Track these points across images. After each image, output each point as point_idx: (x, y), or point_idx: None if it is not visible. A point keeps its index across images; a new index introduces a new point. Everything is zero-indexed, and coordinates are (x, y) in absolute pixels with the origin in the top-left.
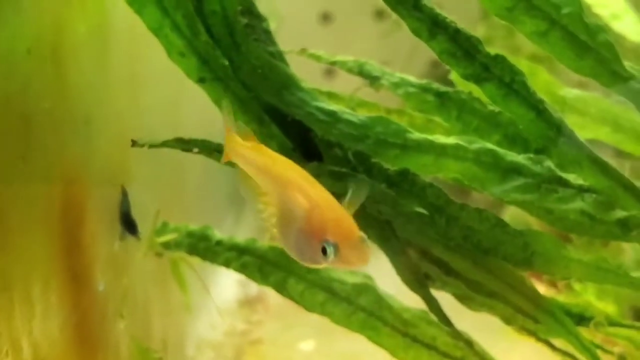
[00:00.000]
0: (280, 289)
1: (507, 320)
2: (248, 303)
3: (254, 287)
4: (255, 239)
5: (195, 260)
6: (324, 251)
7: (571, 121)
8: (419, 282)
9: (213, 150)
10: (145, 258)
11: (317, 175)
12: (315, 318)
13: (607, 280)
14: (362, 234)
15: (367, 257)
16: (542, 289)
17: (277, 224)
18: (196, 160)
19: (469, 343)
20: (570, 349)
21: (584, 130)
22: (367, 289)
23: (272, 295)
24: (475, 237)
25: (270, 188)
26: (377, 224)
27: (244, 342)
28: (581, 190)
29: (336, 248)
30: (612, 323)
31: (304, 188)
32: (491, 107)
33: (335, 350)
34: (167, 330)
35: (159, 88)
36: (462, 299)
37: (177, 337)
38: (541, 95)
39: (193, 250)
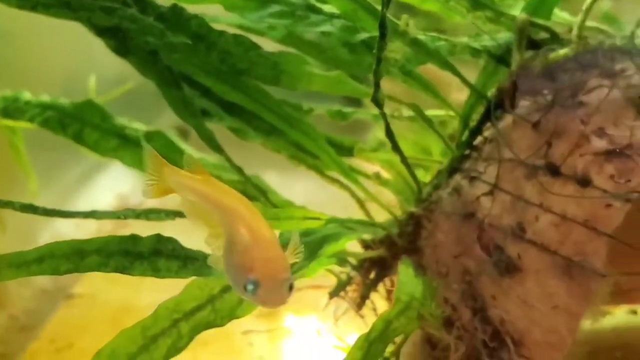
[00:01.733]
0: (78, 138)
1: (290, 157)
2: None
3: (134, 200)
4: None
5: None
6: (246, 287)
7: None
8: (192, 114)
9: None
10: None
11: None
12: None
13: (350, 92)
14: (288, 276)
15: (284, 299)
16: None
17: (224, 250)
18: None
19: (240, 170)
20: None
21: None
22: (158, 134)
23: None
24: (231, 60)
25: (218, 218)
26: (146, 56)
27: None
28: (332, 16)
29: (257, 286)
30: (373, 149)
31: (249, 223)
32: None
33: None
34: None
35: None
36: (237, 132)
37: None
38: None
39: (6, 112)
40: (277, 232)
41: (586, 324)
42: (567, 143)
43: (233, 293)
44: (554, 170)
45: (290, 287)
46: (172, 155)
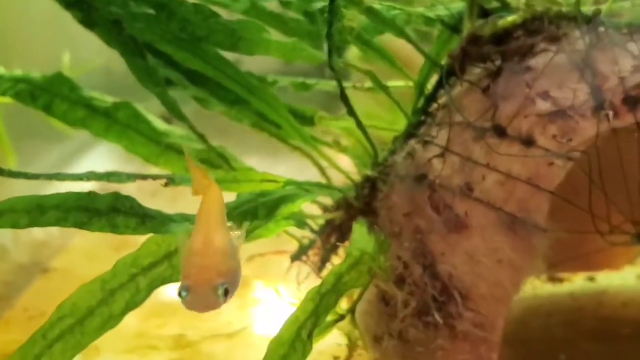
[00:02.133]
0: (48, 110)
1: (253, 125)
2: None
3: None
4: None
5: None
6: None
7: None
8: (155, 83)
9: None
10: None
11: None
12: None
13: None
14: (220, 282)
15: (214, 305)
16: None
17: None
18: None
19: (204, 139)
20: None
21: None
22: (125, 105)
23: None
24: (191, 27)
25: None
26: (111, 26)
27: None
28: None
29: (188, 292)
30: (333, 118)
31: (205, 230)
32: None
33: None
34: None
35: None
36: (200, 101)
37: None
38: None
39: None
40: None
41: (546, 288)
42: (513, 105)
43: None
44: (500, 132)
45: (225, 292)
46: (139, 125)
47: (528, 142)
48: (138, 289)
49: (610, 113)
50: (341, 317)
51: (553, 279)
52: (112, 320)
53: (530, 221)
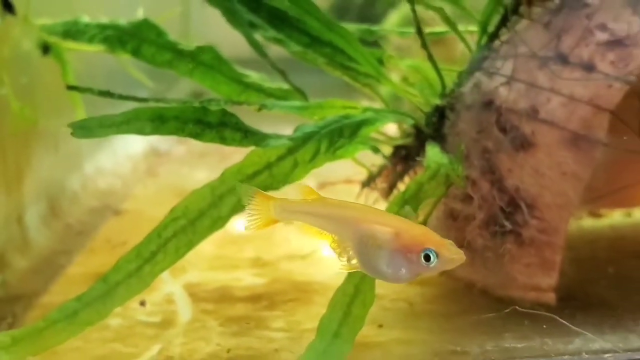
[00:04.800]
0: (136, 53)
1: (327, 65)
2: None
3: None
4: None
5: None
6: (427, 258)
7: None
8: (239, 23)
9: None
10: None
11: None
12: None
13: None
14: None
15: (463, 255)
16: None
17: (357, 255)
18: None
19: (284, 74)
20: None
21: None
22: (209, 49)
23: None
24: None
25: (338, 229)
26: None
27: None
28: None
29: (437, 254)
30: (400, 58)
31: (376, 219)
32: None
33: None
34: None
35: None
36: (279, 42)
37: None
38: None
39: (67, 34)
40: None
41: (588, 222)
42: (574, 37)
43: (288, 160)
44: (563, 59)
45: None
46: (222, 67)
47: (589, 67)
48: None
49: None
50: None
51: (593, 214)
52: (220, 221)
53: (592, 136)
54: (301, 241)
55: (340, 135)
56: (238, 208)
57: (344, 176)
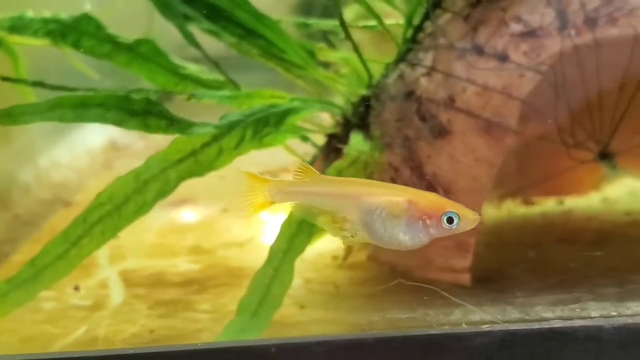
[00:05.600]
0: (77, 45)
1: (261, 56)
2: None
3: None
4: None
5: None
6: (450, 221)
7: None
8: (174, 15)
9: None
10: None
11: None
12: None
13: None
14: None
15: (479, 216)
16: None
17: (365, 228)
18: None
19: (217, 66)
20: None
21: None
22: (146, 41)
23: None
24: None
25: (339, 205)
26: None
27: None
28: None
29: (456, 217)
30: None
31: (380, 190)
32: None
33: None
34: None
35: None
36: (214, 34)
37: None
38: None
39: (13, 29)
40: None
41: (519, 210)
42: (489, 28)
43: (213, 147)
44: (478, 50)
45: None
46: (159, 59)
47: (502, 57)
48: (168, 180)
49: (573, 32)
50: None
51: (526, 202)
52: (145, 207)
53: (504, 124)
54: (241, 229)
55: (266, 124)
56: (162, 193)
57: (282, 165)
